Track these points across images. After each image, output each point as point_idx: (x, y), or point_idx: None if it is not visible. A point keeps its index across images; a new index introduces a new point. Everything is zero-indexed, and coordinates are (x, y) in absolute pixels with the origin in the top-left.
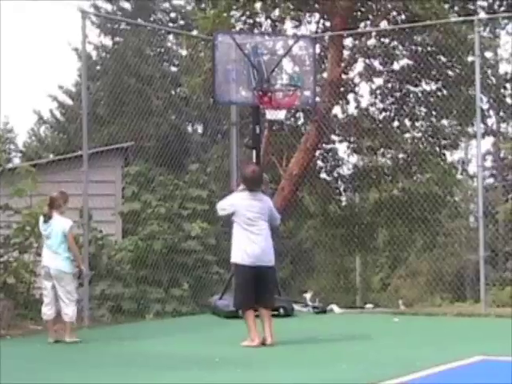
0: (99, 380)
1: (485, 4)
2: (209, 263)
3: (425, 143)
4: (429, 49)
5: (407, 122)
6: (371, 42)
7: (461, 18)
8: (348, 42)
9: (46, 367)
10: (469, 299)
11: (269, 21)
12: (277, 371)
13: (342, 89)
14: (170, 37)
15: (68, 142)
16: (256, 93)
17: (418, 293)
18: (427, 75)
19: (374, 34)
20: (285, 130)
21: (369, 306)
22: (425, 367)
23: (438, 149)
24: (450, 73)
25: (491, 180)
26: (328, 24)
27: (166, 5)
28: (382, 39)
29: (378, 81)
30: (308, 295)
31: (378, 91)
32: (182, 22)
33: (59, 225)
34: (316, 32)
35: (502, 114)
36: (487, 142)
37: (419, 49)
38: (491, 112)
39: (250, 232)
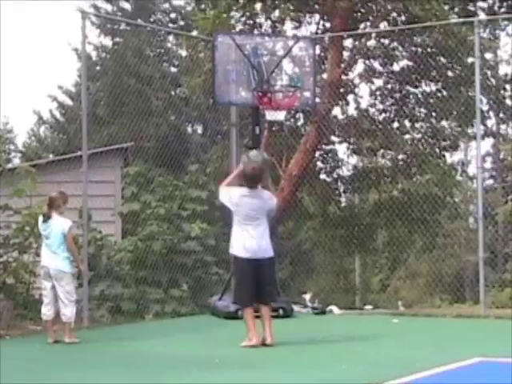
0: (98, 380)
1: (485, 5)
2: (208, 264)
3: (424, 144)
4: (429, 50)
5: (407, 123)
6: (371, 43)
7: (461, 20)
8: (348, 42)
9: (46, 367)
10: (468, 300)
11: (269, 22)
12: (276, 372)
13: (341, 90)
14: (170, 37)
15: (68, 143)
16: (256, 93)
17: (418, 294)
18: (427, 76)
19: (373, 35)
20: (284, 131)
21: (368, 307)
22: (424, 368)
23: (437, 150)
24: (449, 74)
25: (491, 181)
26: (328, 25)
27: (166, 5)
28: (382, 40)
29: (378, 82)
30: (307, 296)
31: (377, 92)
32: (181, 23)
33: (58, 225)
34: (316, 33)
35: (501, 115)
36: (487, 144)
37: (419, 50)
38: (491, 113)
39: (247, 229)
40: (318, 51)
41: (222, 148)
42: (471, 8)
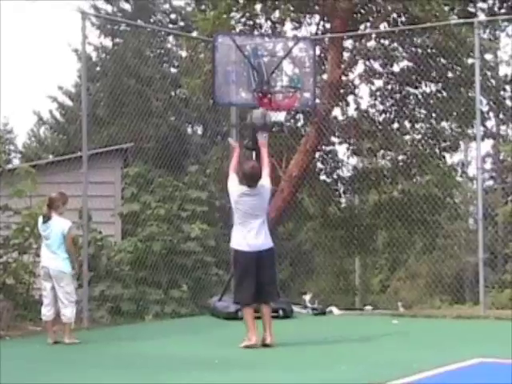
0: (98, 381)
1: (485, 6)
2: (208, 264)
3: (424, 145)
4: (429, 51)
5: (407, 124)
6: (371, 43)
7: (461, 20)
8: (348, 43)
9: (46, 368)
10: (468, 301)
11: (269, 22)
12: (276, 372)
13: (341, 90)
14: (170, 38)
15: (67, 143)
16: (256, 94)
17: (418, 295)
18: (427, 77)
19: (373, 35)
20: (284, 132)
21: (368, 307)
22: (424, 369)
23: (437, 151)
24: (449, 75)
25: (491, 182)
26: (328, 26)
27: (166, 6)
28: (382, 41)
29: (378, 82)
30: (307, 297)
31: (377, 93)
32: (181, 24)
33: (58, 225)
34: (316, 34)
35: (501, 116)
36: (487, 145)
37: (419, 51)
38: (491, 114)
39: (246, 225)
40: (318, 52)
41: (222, 149)
42: (471, 9)
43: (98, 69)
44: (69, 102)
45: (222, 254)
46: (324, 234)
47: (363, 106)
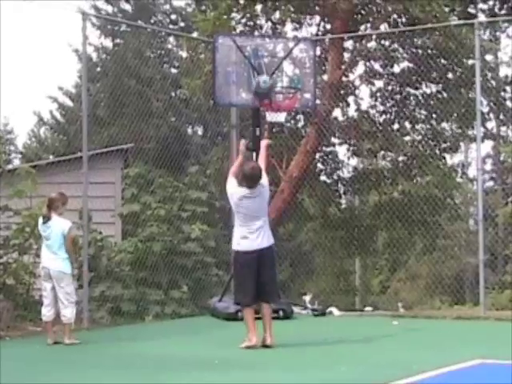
0: (98, 381)
1: (485, 7)
2: (208, 265)
3: (425, 146)
4: (429, 52)
5: (407, 125)
6: (371, 44)
7: (461, 21)
8: (348, 44)
9: (46, 368)
10: (468, 302)
11: (269, 23)
12: (276, 373)
13: (342, 91)
14: (171, 39)
15: (68, 144)
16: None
17: (418, 296)
18: (427, 78)
19: (374, 36)
20: (285, 133)
21: (368, 308)
22: (424, 370)
23: (438, 152)
24: (450, 76)
25: (491, 183)
26: (328, 26)
27: (167, 7)
28: (383, 42)
29: (379, 83)
30: (307, 298)
31: (378, 94)
32: (182, 24)
33: (58, 226)
34: (316, 34)
35: (502, 117)
36: (487, 146)
37: (419, 51)
38: (491, 115)
39: (247, 225)
40: (318, 53)
41: (223, 149)
42: (472, 10)
43: (98, 69)
44: (69, 103)
45: (222, 254)
46: (324, 235)
47: (363, 107)
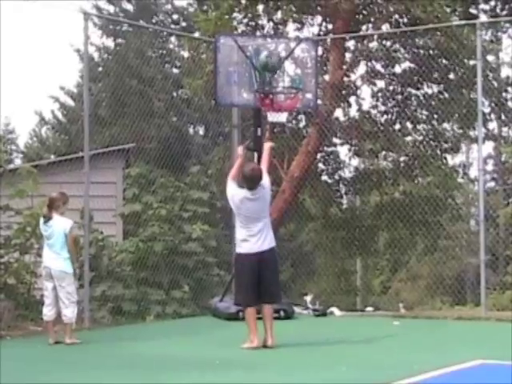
0: (99, 381)
1: (487, 7)
2: (209, 265)
3: (426, 146)
4: (430, 52)
5: (409, 125)
6: (373, 44)
7: (463, 22)
8: (350, 44)
9: (46, 368)
10: (469, 303)
11: (271, 23)
12: (277, 373)
13: (343, 91)
14: (172, 38)
15: (69, 143)
16: (257, 95)
17: (419, 296)
18: (429, 78)
19: (375, 36)
20: (286, 133)
21: (369, 308)
22: (425, 370)
23: (439, 152)
24: (451, 76)
25: (492, 184)
26: (330, 26)
27: (168, 6)
28: (384, 42)
29: (380, 83)
30: (308, 298)
31: (379, 94)
32: (184, 24)
33: (60, 225)
34: (318, 34)
35: (503, 117)
36: (488, 146)
37: (421, 52)
38: (492, 116)
39: (249, 227)
40: (320, 53)
41: (224, 149)
42: (473, 10)
43: (100, 69)
44: (71, 102)
45: (224, 254)
46: (325, 235)
47: (365, 107)
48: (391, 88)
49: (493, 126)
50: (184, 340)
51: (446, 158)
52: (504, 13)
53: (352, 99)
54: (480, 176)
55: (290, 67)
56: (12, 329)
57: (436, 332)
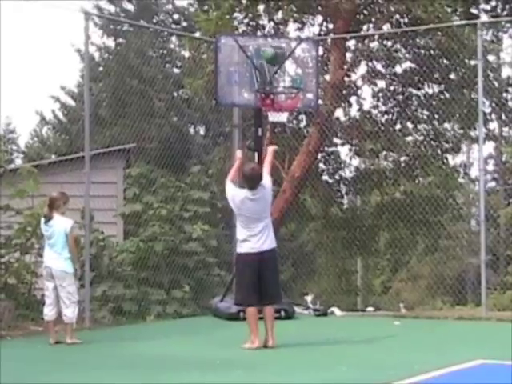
0: (100, 381)
1: (487, 7)
2: (210, 265)
3: (427, 146)
4: (431, 52)
5: (409, 125)
6: (374, 44)
7: (463, 22)
8: (351, 44)
9: (47, 368)
10: (470, 303)
11: (271, 23)
12: (278, 373)
13: (344, 91)
14: (173, 38)
15: (70, 143)
16: (258, 95)
17: (419, 296)
18: (430, 78)
19: (376, 36)
20: (287, 133)
21: (370, 308)
22: (425, 370)
23: (440, 152)
24: (452, 76)
25: (493, 184)
26: (331, 26)
27: (169, 6)
28: (385, 42)
29: (381, 83)
30: (309, 298)
31: (380, 94)
32: (184, 24)
33: (61, 225)
34: (319, 34)
35: (504, 117)
36: (489, 146)
37: (422, 52)
38: (493, 116)
39: (249, 227)
40: (320, 53)
41: (225, 149)
42: (474, 10)
43: (100, 69)
44: (71, 102)
45: (224, 254)
46: (326, 235)
47: (366, 107)
48: (392, 88)
49: (493, 126)
50: (184, 340)
51: (446, 158)
52: (505, 13)
53: (353, 99)
54: (481, 176)
55: (290, 67)
56: (12, 329)
57: (437, 332)
